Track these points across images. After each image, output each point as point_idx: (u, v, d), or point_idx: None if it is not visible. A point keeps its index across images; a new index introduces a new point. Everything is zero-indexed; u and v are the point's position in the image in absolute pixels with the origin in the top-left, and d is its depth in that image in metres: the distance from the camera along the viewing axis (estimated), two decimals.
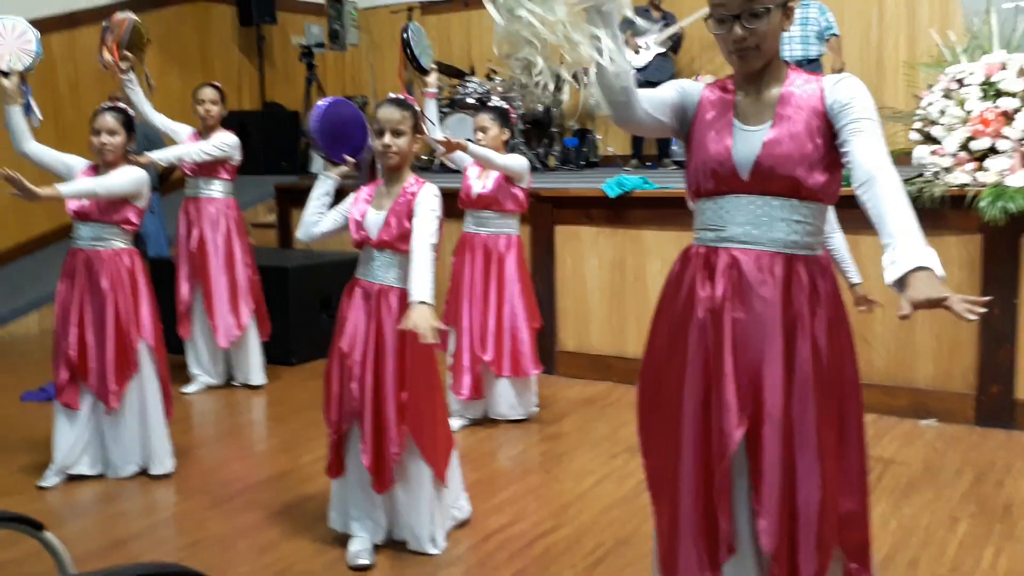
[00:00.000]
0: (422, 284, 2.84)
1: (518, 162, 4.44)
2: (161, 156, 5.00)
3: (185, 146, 5.14)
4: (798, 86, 2.08)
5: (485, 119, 4.48)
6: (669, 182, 5.47)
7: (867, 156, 1.94)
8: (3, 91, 3.84)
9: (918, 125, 4.70)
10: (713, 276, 2.09)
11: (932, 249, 1.80)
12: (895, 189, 1.88)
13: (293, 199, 7.06)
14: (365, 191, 3.18)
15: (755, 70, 2.09)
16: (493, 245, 4.50)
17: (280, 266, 5.82)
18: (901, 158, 5.08)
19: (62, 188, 3.67)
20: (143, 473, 3.97)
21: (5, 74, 3.85)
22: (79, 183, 3.75)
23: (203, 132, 5.25)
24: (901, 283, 1.78)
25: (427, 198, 3.06)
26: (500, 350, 4.48)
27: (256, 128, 8.49)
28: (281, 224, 7.22)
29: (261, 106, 9.17)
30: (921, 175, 4.59)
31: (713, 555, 2.09)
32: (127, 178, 3.82)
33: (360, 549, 3.14)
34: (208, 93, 5.22)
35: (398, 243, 3.07)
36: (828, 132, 2.04)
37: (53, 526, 1.98)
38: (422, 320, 2.72)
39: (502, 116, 4.53)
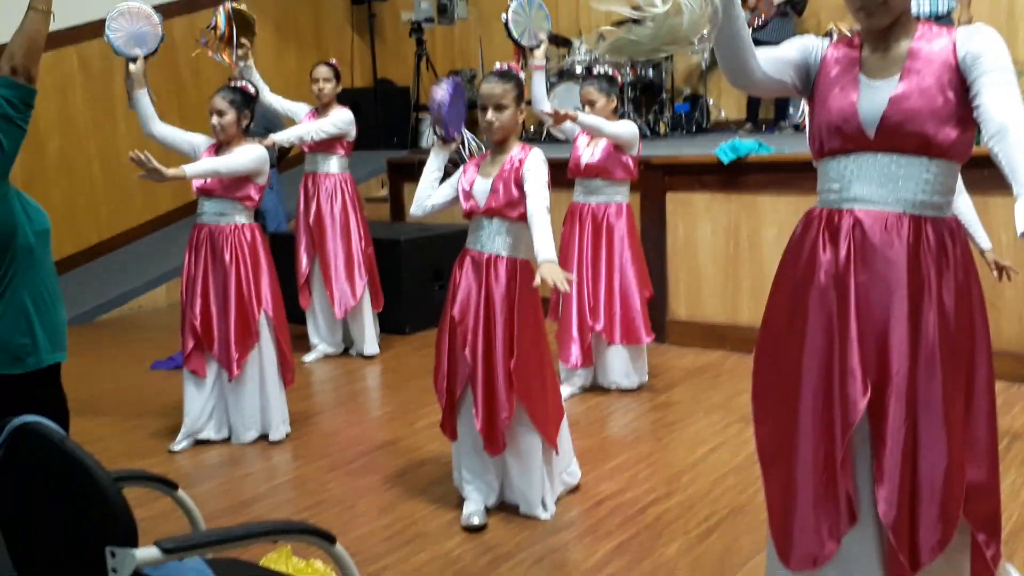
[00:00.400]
0: (545, 245, 2.89)
1: (628, 129, 4.39)
2: (282, 138, 5.15)
3: (304, 126, 5.28)
4: (928, 39, 1.99)
5: (592, 91, 4.44)
6: (786, 146, 5.32)
7: (999, 107, 1.83)
8: (132, 76, 4.02)
9: None
10: (836, 239, 2.01)
11: None
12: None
13: (404, 173, 7.16)
14: (473, 162, 3.21)
15: (883, 27, 2.00)
16: (603, 214, 4.48)
17: (393, 239, 5.92)
18: None
19: (187, 169, 3.81)
20: (264, 438, 4.13)
21: (133, 59, 4.03)
22: (203, 163, 3.89)
23: (319, 110, 5.38)
24: None
25: (534, 163, 3.07)
26: (611, 318, 4.46)
27: (368, 104, 8.63)
28: (393, 198, 7.33)
29: (373, 83, 9.31)
30: None
31: (834, 525, 2.03)
32: (248, 157, 3.95)
33: (473, 511, 3.19)
34: (322, 71, 5.35)
35: (506, 210, 3.09)
36: (960, 86, 1.93)
37: (183, 487, 2.08)
38: (552, 273, 2.77)
39: (609, 83, 4.48)
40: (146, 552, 1.47)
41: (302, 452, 4.03)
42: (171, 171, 3.72)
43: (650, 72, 7.49)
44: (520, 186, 3.06)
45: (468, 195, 3.17)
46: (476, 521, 3.16)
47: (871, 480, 2.01)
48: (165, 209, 7.97)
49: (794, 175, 4.95)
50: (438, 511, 3.33)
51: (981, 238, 3.42)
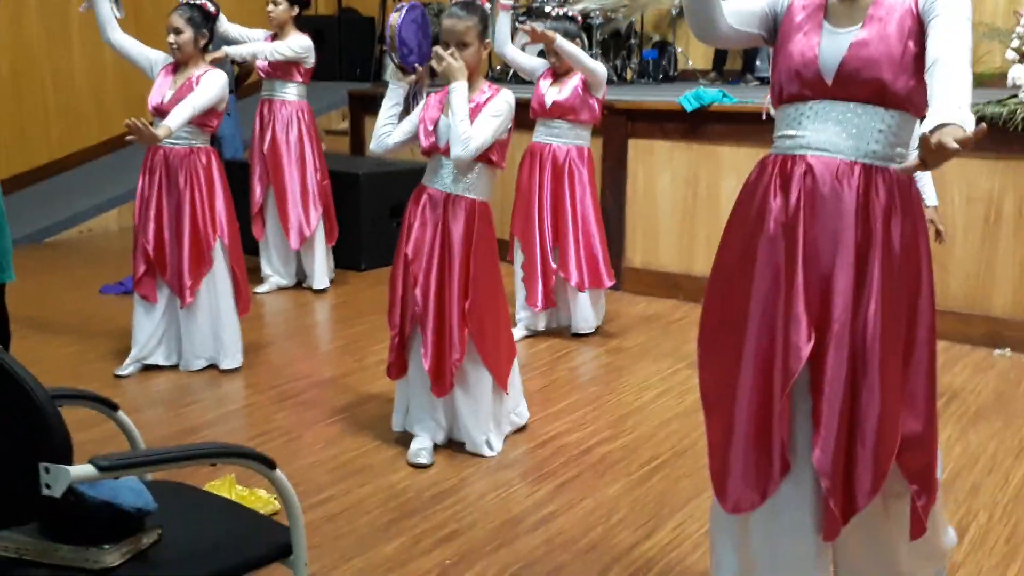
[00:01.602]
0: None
1: (602, 67, 4.36)
2: (235, 51, 5.02)
3: (260, 44, 5.17)
4: None
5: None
6: (749, 98, 5.31)
7: (937, 42, 1.85)
8: None
9: (1015, 44, 4.46)
10: (788, 186, 2.01)
11: (971, 116, 1.70)
12: (953, 68, 1.79)
13: (366, 106, 7.05)
14: (435, 98, 3.14)
15: None
16: (565, 156, 4.43)
17: (352, 172, 5.85)
18: (996, 79, 4.85)
19: (171, 124, 3.70)
20: (214, 367, 4.10)
21: None
22: (179, 112, 3.74)
23: (276, 35, 5.26)
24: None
25: (496, 102, 3.03)
26: (578, 263, 4.46)
27: (331, 33, 8.47)
28: (354, 131, 7.23)
29: (337, 11, 9.11)
30: (1016, 96, 4.37)
31: (766, 472, 2.05)
32: (213, 89, 3.84)
33: (420, 448, 3.21)
34: None
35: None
36: (920, 35, 1.93)
37: (128, 412, 2.06)
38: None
39: (572, 24, 4.42)
40: (81, 469, 1.45)
41: (251, 382, 4.01)
42: (161, 132, 3.65)
43: (619, 17, 7.42)
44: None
45: (429, 133, 3.10)
46: (422, 460, 3.17)
47: (809, 428, 2.03)
48: (120, 131, 7.77)
49: (756, 127, 4.94)
50: (384, 445, 3.34)
51: (929, 195, 3.45)
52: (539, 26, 4.32)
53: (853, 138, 1.98)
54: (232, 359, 4.09)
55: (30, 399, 1.47)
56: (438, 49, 3.02)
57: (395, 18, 3.08)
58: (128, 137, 3.59)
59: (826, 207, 1.98)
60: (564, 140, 4.45)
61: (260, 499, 2.86)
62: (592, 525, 2.80)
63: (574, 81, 4.37)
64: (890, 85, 1.94)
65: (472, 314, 3.12)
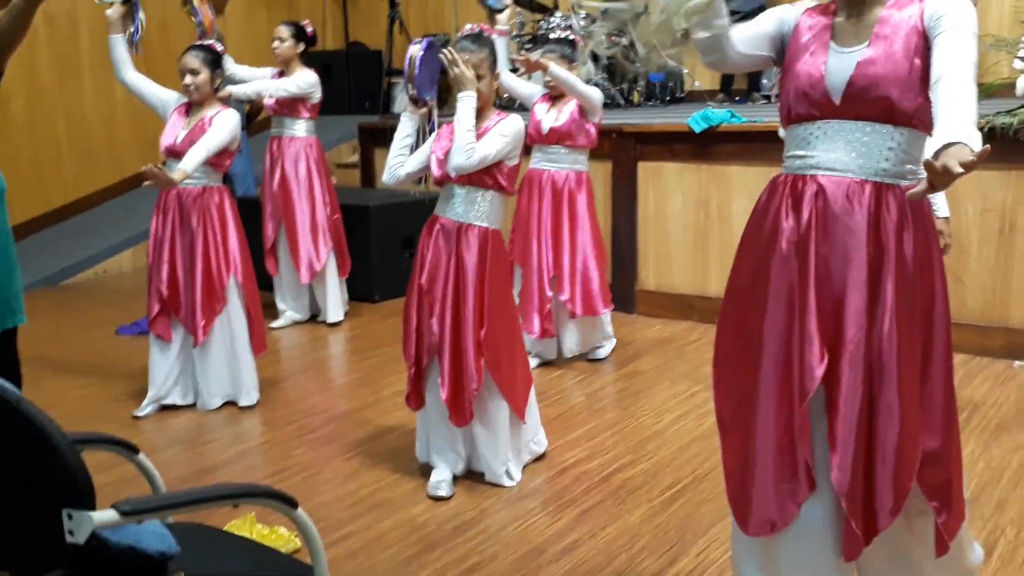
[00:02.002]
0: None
1: (597, 93, 4.37)
2: (240, 91, 5.06)
3: (264, 82, 5.21)
4: (899, 7, 1.99)
5: (552, 58, 4.30)
6: (758, 117, 5.32)
7: (941, 58, 1.85)
8: (110, 20, 3.93)
9: (1023, 53, 4.46)
10: (799, 205, 2.02)
11: (977, 133, 1.70)
12: (958, 84, 1.79)
13: (376, 139, 7.09)
14: (447, 129, 3.16)
15: None
16: (563, 182, 4.43)
17: (362, 204, 5.88)
18: (1004, 89, 4.85)
19: (185, 167, 3.72)
20: (230, 404, 4.11)
21: (110, 4, 3.94)
22: (194, 154, 3.76)
23: (283, 72, 5.32)
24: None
25: (506, 123, 3.06)
26: (573, 289, 4.44)
27: (340, 68, 8.54)
28: (364, 164, 7.27)
29: (345, 46, 9.20)
30: None
31: (793, 492, 2.04)
32: (226, 129, 3.87)
33: (440, 480, 3.20)
34: (280, 30, 5.29)
35: (481, 177, 3.07)
36: (927, 51, 1.93)
37: (146, 453, 2.06)
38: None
39: (571, 48, 4.41)
40: (104, 515, 1.45)
41: (268, 419, 4.01)
42: (177, 176, 3.69)
43: (624, 40, 7.44)
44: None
45: (441, 163, 3.12)
46: (443, 492, 3.16)
47: (827, 448, 2.02)
48: (132, 171, 7.86)
49: (765, 146, 4.96)
50: (403, 478, 3.33)
51: (940, 206, 3.43)
52: (535, 55, 4.35)
53: (863, 156, 1.98)
54: (248, 396, 4.10)
55: (51, 444, 1.48)
56: (450, 52, 3.02)
57: (415, 51, 3.10)
58: (145, 183, 3.62)
59: (837, 226, 1.99)
60: (562, 166, 4.45)
61: (281, 537, 2.85)
62: (615, 553, 2.78)
63: (570, 107, 4.38)
64: (898, 103, 1.94)
65: (488, 342, 3.12)
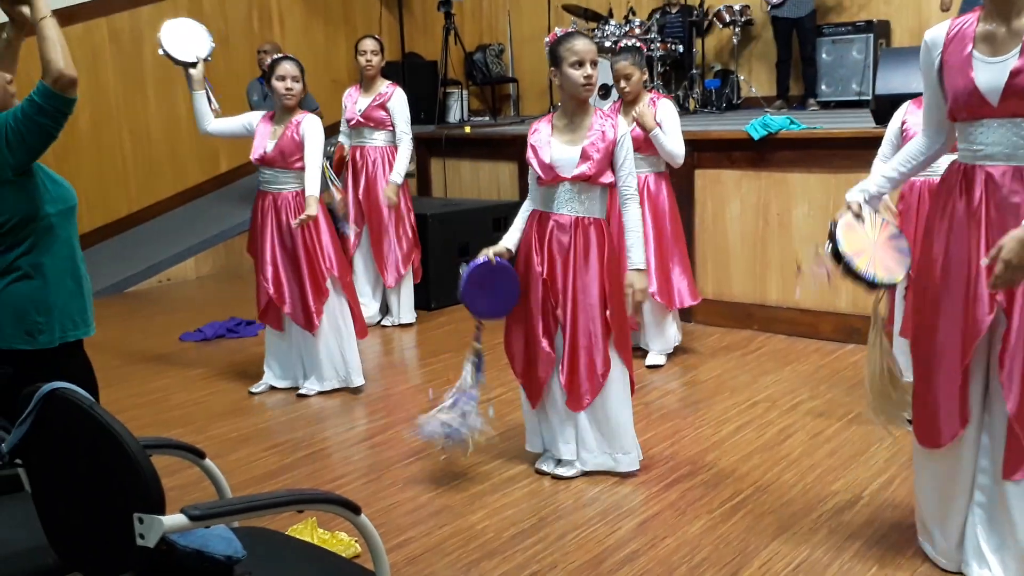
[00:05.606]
0: (639, 250, 3.26)
1: (682, 149, 4.49)
2: (400, 169, 5.43)
3: (403, 145, 5.46)
4: None
5: (627, 66, 4.39)
6: (816, 123, 5.25)
7: None
8: (191, 79, 4.21)
9: None
10: (971, 188, 2.37)
11: None
12: None
13: (432, 148, 7.13)
14: (543, 136, 3.26)
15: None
16: (643, 184, 4.51)
17: (420, 213, 5.91)
18: None
19: (311, 191, 4.07)
20: (304, 397, 4.35)
21: (193, 64, 4.22)
22: (313, 181, 4.10)
23: (363, 83, 5.49)
24: None
25: (625, 141, 3.23)
26: (661, 284, 4.58)
27: (396, 79, 8.53)
28: (420, 172, 7.32)
29: (401, 57, 9.27)
30: None
31: (963, 415, 2.45)
32: (318, 137, 4.15)
33: (565, 460, 3.38)
34: (369, 44, 5.42)
35: (596, 178, 3.21)
36: None
37: (213, 457, 2.10)
38: (640, 282, 3.23)
39: (639, 56, 4.47)
40: (173, 519, 1.48)
41: (330, 423, 4.06)
42: (312, 209, 4.04)
43: (680, 47, 7.41)
44: (610, 156, 3.20)
45: (547, 167, 3.22)
46: (571, 472, 3.36)
47: (982, 385, 2.44)
48: (194, 182, 8.01)
49: (825, 152, 4.89)
50: (461, 484, 3.34)
51: None
52: (649, 112, 4.40)
53: (1021, 147, 2.29)
54: (358, 377, 4.42)
55: (123, 450, 1.51)
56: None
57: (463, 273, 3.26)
58: (295, 224, 4.06)
59: (1004, 204, 2.32)
60: (643, 169, 4.52)
61: (342, 542, 2.87)
62: (675, 565, 2.75)
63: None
64: None
65: (614, 322, 3.25)
